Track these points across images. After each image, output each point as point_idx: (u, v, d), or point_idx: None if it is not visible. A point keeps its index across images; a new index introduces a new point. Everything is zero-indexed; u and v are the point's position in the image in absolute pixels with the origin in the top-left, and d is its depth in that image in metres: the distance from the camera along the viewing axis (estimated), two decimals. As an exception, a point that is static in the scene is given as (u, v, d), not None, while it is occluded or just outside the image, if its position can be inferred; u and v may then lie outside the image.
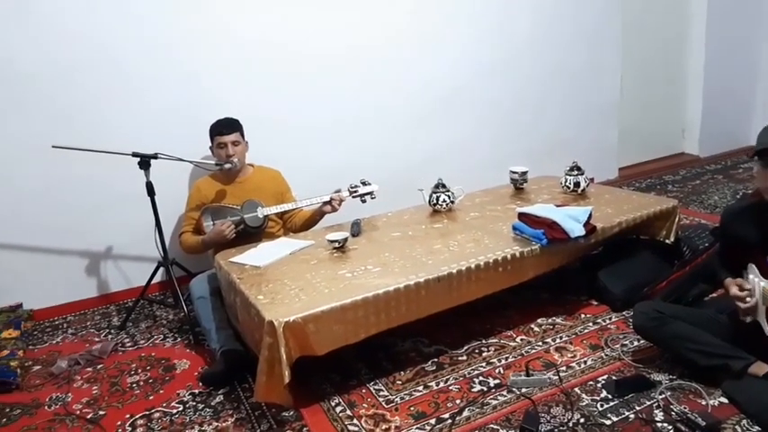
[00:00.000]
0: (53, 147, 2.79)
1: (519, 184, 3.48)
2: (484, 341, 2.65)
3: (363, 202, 3.13)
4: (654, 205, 2.99)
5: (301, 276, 2.47)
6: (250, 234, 3.00)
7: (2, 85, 3.04)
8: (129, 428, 2.28)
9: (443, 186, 3.19)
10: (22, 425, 2.36)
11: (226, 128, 3.06)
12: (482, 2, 4.23)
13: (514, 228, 2.73)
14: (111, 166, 2.98)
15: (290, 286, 2.37)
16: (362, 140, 3.98)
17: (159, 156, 2.91)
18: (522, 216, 2.78)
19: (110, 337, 3.07)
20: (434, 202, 3.17)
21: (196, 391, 2.49)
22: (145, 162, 2.90)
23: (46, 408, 2.47)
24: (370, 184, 3.14)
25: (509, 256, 2.52)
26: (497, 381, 2.35)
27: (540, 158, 4.17)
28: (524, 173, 3.48)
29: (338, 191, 3.11)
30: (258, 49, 3.57)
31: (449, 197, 3.16)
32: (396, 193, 3.43)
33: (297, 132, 3.75)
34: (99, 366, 2.77)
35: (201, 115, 3.18)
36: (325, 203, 3.08)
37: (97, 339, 3.06)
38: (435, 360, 2.53)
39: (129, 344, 2.98)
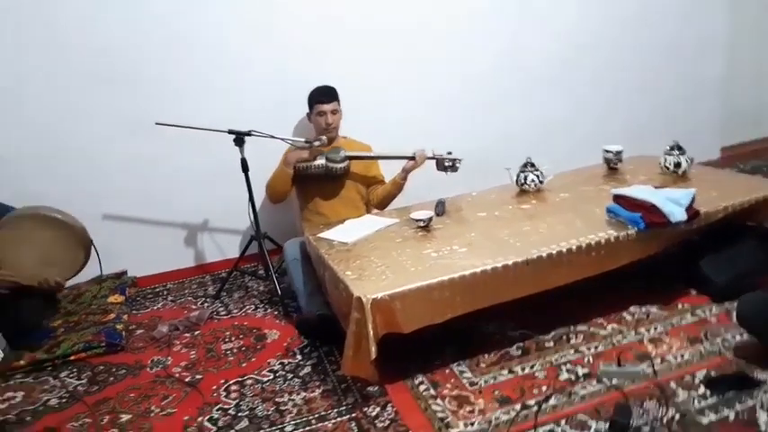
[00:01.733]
0: (156, 123, 2.94)
1: (613, 164, 3.32)
2: (572, 327, 2.57)
3: (446, 170, 3.08)
4: (764, 189, 2.77)
5: (387, 254, 2.49)
6: (329, 177, 3.08)
7: (109, 62, 3.23)
8: (224, 393, 2.40)
9: (532, 165, 3.10)
10: (127, 384, 2.55)
11: (326, 96, 3.12)
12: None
13: (609, 210, 2.61)
14: (209, 142, 3.12)
15: (377, 263, 2.40)
16: (450, 114, 3.93)
17: (253, 133, 3.01)
18: (617, 198, 2.65)
19: (206, 305, 3.24)
20: (522, 181, 3.09)
21: (285, 361, 2.58)
22: (239, 139, 3.01)
23: (148, 369, 2.65)
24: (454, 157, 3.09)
25: (602, 241, 2.42)
26: (586, 370, 2.28)
27: (635, 138, 3.95)
28: (619, 152, 3.31)
29: (421, 150, 3.09)
30: (349, 23, 3.59)
31: (537, 177, 3.07)
32: (482, 172, 3.37)
33: (383, 103, 3.74)
34: (196, 333, 2.93)
35: (296, 90, 3.24)
36: (408, 158, 3.08)
37: (194, 307, 3.23)
38: (521, 344, 2.49)
39: (223, 312, 3.14)
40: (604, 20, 4.14)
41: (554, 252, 2.35)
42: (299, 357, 2.60)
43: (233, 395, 2.38)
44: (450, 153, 3.11)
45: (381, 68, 3.72)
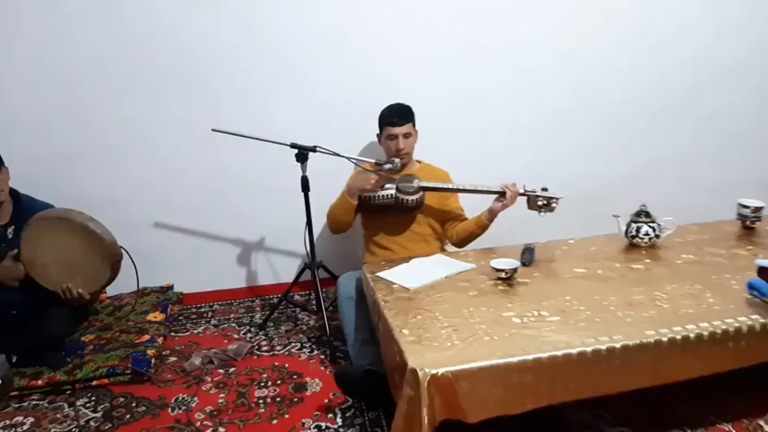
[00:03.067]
0: (213, 130, 2.63)
1: (750, 222, 2.68)
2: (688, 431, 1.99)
3: (539, 210, 2.58)
4: None
5: (457, 311, 2.01)
6: (399, 210, 2.64)
7: (164, 65, 2.98)
8: (245, 457, 2.01)
9: (647, 215, 2.52)
10: (143, 426, 2.21)
11: (398, 116, 2.69)
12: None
13: (751, 286, 2.01)
14: (268, 156, 2.78)
15: (443, 322, 1.93)
16: (545, 148, 3.41)
17: (318, 149, 2.63)
18: (763, 271, 2.04)
19: (248, 335, 2.89)
20: (633, 233, 2.52)
21: (323, 424, 2.15)
22: (302, 154, 2.64)
23: (169, 411, 2.30)
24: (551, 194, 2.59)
25: (745, 328, 1.83)
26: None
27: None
28: (759, 208, 2.67)
29: (513, 184, 2.59)
30: (438, 40, 3.17)
31: (653, 229, 2.49)
32: (582, 217, 2.84)
33: (468, 132, 3.30)
34: (231, 370, 2.57)
35: (368, 107, 2.82)
36: (498, 196, 2.59)
37: (236, 336, 2.89)
38: (620, 446, 1.94)
39: (265, 347, 2.76)
40: (742, 48, 3.47)
41: (678, 337, 1.78)
42: (339, 422, 2.16)
43: (254, 461, 1.98)
44: (545, 190, 2.60)
45: (470, 91, 3.27)
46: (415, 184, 2.62)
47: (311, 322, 3.00)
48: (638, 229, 2.51)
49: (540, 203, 2.56)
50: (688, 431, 1.99)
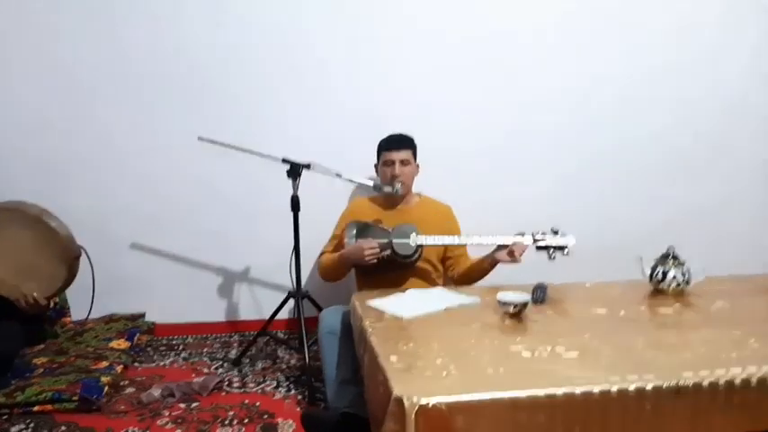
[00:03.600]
0: (199, 139, 2.43)
1: (789, 276, 2.40)
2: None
3: (551, 258, 2.32)
4: None
5: (457, 342, 1.71)
6: (396, 266, 2.35)
7: (150, 70, 2.83)
8: (191, 503, 1.66)
9: (675, 258, 2.25)
10: (79, 459, 1.88)
11: (396, 143, 2.51)
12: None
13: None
14: (257, 172, 2.58)
15: (438, 352, 1.63)
16: (563, 188, 3.19)
17: (312, 166, 2.41)
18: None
19: (219, 371, 2.57)
20: (659, 277, 2.23)
21: (291, 470, 1.81)
22: (294, 171, 2.42)
23: (114, 444, 1.97)
24: (564, 235, 2.34)
25: (801, 377, 1.52)
26: None
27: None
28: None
29: (521, 234, 2.34)
30: (452, 64, 3.01)
31: (683, 275, 2.21)
32: (599, 262, 2.56)
33: (480, 170, 3.09)
34: (194, 405, 2.24)
35: (368, 131, 2.63)
36: (500, 248, 2.34)
37: (206, 371, 2.57)
38: None
39: (236, 383, 2.45)
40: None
41: (721, 382, 1.47)
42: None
43: None
44: (556, 232, 2.35)
45: (487, 131, 3.09)
46: (412, 242, 2.36)
47: (292, 361, 2.68)
48: (664, 274, 2.23)
49: (551, 253, 2.33)
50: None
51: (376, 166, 2.60)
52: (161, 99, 2.84)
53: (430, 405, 1.34)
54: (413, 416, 1.33)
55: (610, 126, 3.17)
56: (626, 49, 3.12)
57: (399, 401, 1.35)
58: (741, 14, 3.17)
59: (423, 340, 1.73)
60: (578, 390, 1.40)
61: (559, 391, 1.40)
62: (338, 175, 2.43)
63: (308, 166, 2.44)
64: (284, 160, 2.43)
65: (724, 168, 3.30)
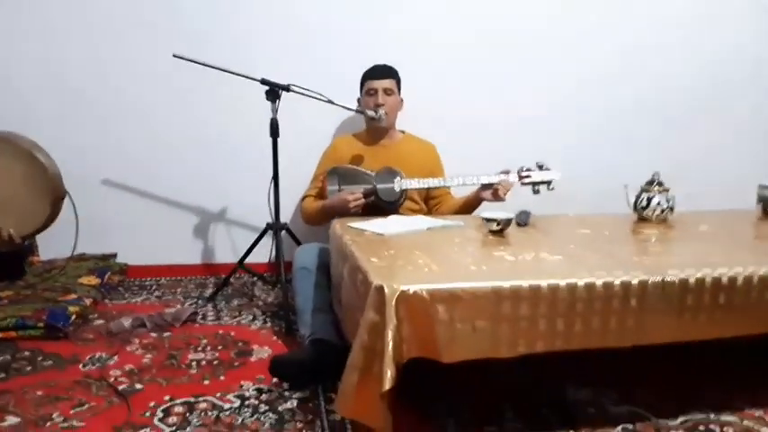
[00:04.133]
0: (174, 56, 2.31)
1: (772, 209, 2.38)
2: (713, 416, 1.61)
3: (536, 192, 2.29)
4: None
5: (437, 250, 1.66)
6: (380, 210, 2.29)
7: None
8: (161, 414, 1.58)
9: (660, 184, 2.21)
10: (42, 378, 1.79)
11: (380, 72, 2.47)
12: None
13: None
14: (236, 103, 2.51)
15: (419, 256, 1.57)
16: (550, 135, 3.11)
17: (292, 88, 2.33)
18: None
19: (192, 304, 2.49)
20: (643, 204, 2.19)
21: (265, 387, 1.74)
22: (274, 93, 2.33)
23: (80, 366, 1.88)
24: (548, 169, 2.30)
25: (789, 277, 1.49)
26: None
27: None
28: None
29: (506, 172, 2.30)
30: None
31: (667, 201, 2.17)
32: (583, 197, 2.53)
33: (468, 112, 3.01)
34: (166, 334, 2.17)
35: (353, 65, 2.56)
36: (485, 187, 2.29)
37: (179, 306, 2.49)
38: (629, 427, 1.55)
39: (210, 317, 2.37)
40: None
41: (708, 278, 1.43)
42: (285, 385, 1.76)
43: (172, 419, 1.56)
44: (541, 167, 2.32)
45: (479, 71, 3.01)
46: (397, 187, 2.30)
47: (270, 299, 2.61)
48: (648, 200, 2.19)
49: (535, 188, 2.31)
50: (712, 415, 1.61)
51: (359, 99, 2.53)
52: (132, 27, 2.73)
53: (411, 292, 1.29)
54: (393, 302, 1.27)
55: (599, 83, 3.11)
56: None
57: (380, 289, 1.29)
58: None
59: (404, 250, 1.66)
60: (563, 282, 1.36)
61: (544, 282, 1.35)
62: (319, 98, 2.34)
63: (287, 88, 2.35)
64: (263, 81, 2.33)
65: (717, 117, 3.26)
